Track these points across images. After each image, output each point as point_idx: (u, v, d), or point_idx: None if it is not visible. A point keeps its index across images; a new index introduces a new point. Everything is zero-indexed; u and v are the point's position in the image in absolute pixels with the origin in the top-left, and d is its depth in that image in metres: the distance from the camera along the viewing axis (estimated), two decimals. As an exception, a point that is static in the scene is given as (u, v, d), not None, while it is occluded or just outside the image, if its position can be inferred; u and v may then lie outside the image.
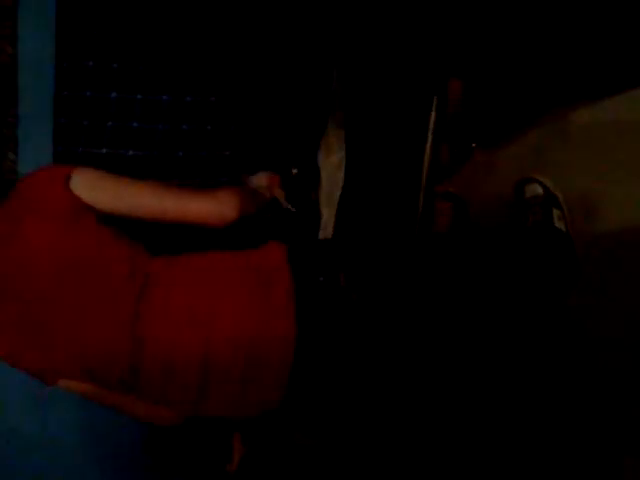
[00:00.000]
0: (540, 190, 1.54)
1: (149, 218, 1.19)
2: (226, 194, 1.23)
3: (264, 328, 1.14)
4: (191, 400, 1.17)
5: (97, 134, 1.58)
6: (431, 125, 1.54)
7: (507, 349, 1.32)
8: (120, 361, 1.13)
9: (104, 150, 1.60)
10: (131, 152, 1.63)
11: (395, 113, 1.60)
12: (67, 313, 1.12)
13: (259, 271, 1.19)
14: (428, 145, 1.54)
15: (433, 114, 1.52)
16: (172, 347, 1.13)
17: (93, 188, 1.15)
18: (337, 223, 1.70)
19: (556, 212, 1.48)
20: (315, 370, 1.17)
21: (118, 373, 1.14)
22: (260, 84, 1.65)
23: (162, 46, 1.56)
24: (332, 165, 1.72)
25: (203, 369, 1.13)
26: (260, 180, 1.51)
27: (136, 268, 1.16)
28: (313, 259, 1.23)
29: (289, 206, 1.55)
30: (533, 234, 1.51)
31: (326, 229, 1.69)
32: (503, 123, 1.57)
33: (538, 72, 1.47)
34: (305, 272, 1.19)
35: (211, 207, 1.20)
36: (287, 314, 1.14)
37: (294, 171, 1.69)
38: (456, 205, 1.66)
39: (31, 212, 1.12)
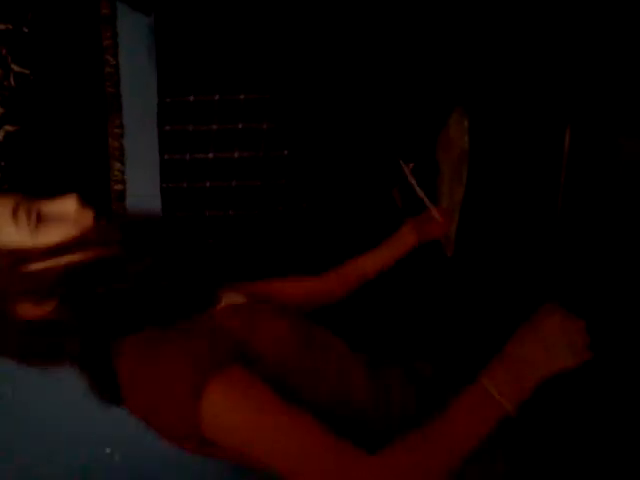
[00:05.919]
0: None
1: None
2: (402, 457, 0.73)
3: None
4: None
5: (202, 138, 1.54)
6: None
7: None
8: None
9: (210, 155, 1.56)
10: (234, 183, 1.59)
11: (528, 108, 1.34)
12: None
13: None
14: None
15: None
16: None
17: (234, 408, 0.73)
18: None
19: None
20: None
21: None
22: (380, 75, 1.50)
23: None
24: (453, 161, 1.51)
25: None
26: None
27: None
28: None
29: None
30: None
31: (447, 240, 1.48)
32: None
33: None
34: None
35: None
36: None
37: (410, 165, 1.49)
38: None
39: None
